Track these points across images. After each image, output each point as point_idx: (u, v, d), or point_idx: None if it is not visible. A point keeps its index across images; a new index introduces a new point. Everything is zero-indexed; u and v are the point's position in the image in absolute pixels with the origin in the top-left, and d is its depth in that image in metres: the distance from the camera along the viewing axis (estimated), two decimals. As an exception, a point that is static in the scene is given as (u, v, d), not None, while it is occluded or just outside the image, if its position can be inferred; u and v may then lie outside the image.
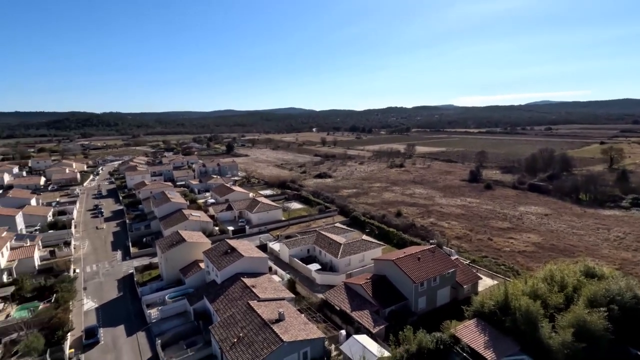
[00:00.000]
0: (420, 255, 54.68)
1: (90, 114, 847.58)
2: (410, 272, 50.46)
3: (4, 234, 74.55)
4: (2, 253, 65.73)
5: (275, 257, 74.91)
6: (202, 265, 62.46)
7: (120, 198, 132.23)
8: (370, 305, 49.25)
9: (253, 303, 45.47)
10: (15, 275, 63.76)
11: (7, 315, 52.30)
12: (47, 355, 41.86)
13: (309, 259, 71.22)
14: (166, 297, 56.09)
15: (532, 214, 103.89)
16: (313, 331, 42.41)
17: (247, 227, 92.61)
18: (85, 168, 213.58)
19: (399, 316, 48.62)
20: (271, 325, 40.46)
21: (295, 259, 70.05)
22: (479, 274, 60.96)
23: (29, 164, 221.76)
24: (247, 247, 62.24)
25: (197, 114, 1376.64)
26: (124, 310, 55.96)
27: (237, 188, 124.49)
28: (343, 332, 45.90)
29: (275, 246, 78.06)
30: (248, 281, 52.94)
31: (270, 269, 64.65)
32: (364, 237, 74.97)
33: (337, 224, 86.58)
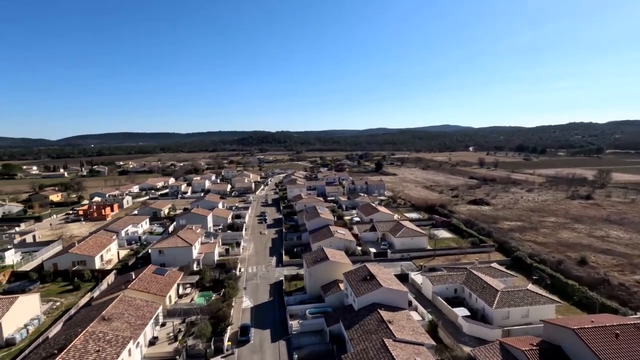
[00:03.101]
0: (620, 329, 40.10)
1: (267, 132, 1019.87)
2: (602, 353, 37.33)
3: (199, 230, 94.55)
4: (195, 246, 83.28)
5: (417, 290, 69.33)
6: (341, 285, 63.18)
7: (281, 208, 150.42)
8: (536, 381, 38.70)
9: (388, 342, 42.26)
10: (201, 266, 79.39)
11: (192, 299, 65.06)
12: (212, 343, 49.36)
13: (455, 301, 62.79)
14: (307, 312, 58.74)
15: None
16: (455, 395, 36.01)
17: (389, 251, 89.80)
18: (258, 179, 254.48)
19: (581, 409, 36.39)
20: (406, 375, 36.41)
21: (439, 298, 62.89)
22: None
23: (222, 173, 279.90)
24: (387, 277, 59.49)
25: (351, 132, 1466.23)
26: (271, 315, 61.52)
27: (382, 208, 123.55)
28: (495, 406, 37.39)
29: (417, 278, 72.37)
30: (385, 314, 50.04)
31: (410, 303, 59.85)
32: (530, 286, 61.07)
33: (494, 264, 73.92)
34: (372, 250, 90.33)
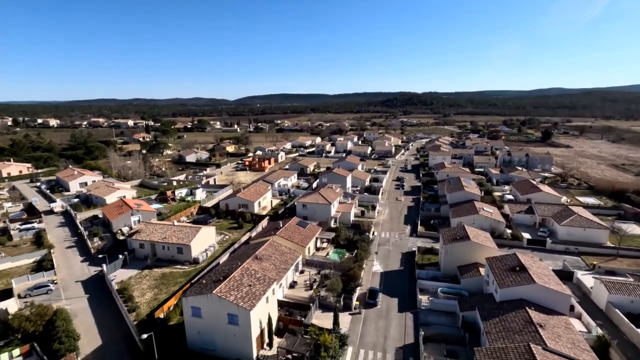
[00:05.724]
0: None
1: (412, 93, 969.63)
2: None
3: (338, 189, 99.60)
4: (334, 205, 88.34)
5: (583, 295, 56.50)
6: (482, 270, 56.84)
7: (421, 175, 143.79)
8: None
9: (536, 349, 35.94)
10: (337, 224, 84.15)
11: (327, 254, 70.15)
12: (341, 299, 52.46)
13: (643, 319, 48.43)
14: (439, 290, 55.56)
15: None
16: None
17: (548, 240, 75.26)
18: (399, 142, 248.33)
19: None
20: (556, 395, 30.45)
21: (617, 311, 49.52)
22: None
23: (364, 135, 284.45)
24: (542, 271, 50.02)
25: (513, 92, 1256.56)
26: (400, 284, 60.82)
27: (545, 187, 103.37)
28: None
29: (586, 279, 58.70)
30: (535, 315, 42.59)
31: (572, 308, 49.30)
32: None
33: None
34: (526, 236, 77.45)
